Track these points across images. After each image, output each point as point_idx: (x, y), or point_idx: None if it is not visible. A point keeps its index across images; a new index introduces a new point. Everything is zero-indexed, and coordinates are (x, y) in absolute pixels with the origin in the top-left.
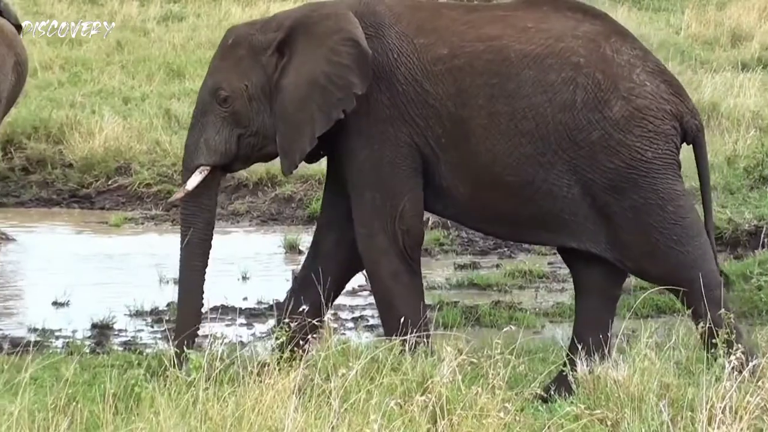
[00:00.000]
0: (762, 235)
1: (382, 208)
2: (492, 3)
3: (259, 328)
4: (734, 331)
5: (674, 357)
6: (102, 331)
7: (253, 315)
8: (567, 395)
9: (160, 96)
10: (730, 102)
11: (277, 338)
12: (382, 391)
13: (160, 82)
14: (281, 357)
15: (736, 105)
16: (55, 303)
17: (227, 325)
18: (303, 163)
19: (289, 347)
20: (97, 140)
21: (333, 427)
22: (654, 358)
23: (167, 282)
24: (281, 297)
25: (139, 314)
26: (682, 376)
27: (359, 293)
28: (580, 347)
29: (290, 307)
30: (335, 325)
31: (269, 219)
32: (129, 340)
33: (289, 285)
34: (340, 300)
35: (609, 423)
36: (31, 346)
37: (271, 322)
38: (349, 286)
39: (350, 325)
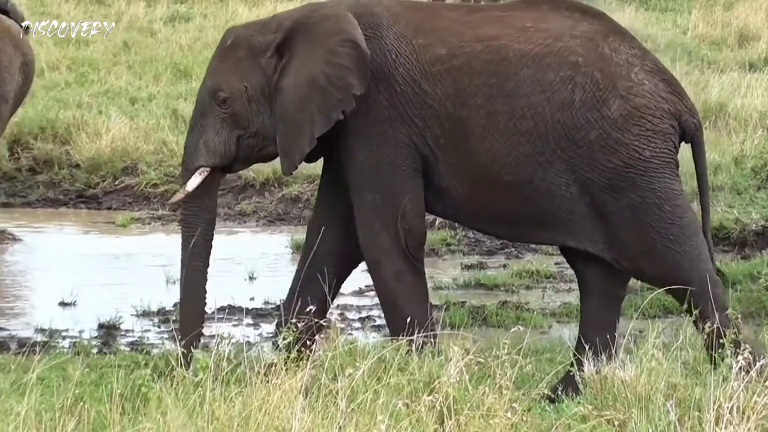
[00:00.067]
0: None
1: (384, 208)
2: (493, 3)
3: (266, 328)
4: (738, 331)
5: (681, 357)
6: (109, 331)
7: (260, 315)
8: (574, 395)
9: (167, 96)
10: (738, 102)
11: (284, 338)
12: (390, 391)
13: (167, 82)
14: (288, 357)
15: (743, 105)
16: (62, 303)
17: (234, 326)
18: (304, 163)
19: (295, 347)
20: (104, 140)
21: (340, 427)
22: (661, 358)
23: (174, 282)
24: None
25: (146, 314)
26: (690, 376)
27: (366, 293)
28: (586, 347)
29: (294, 308)
30: (342, 325)
31: (276, 219)
32: (136, 341)
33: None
34: (348, 300)
35: (616, 423)
36: (38, 346)
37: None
38: (356, 287)
39: (357, 325)
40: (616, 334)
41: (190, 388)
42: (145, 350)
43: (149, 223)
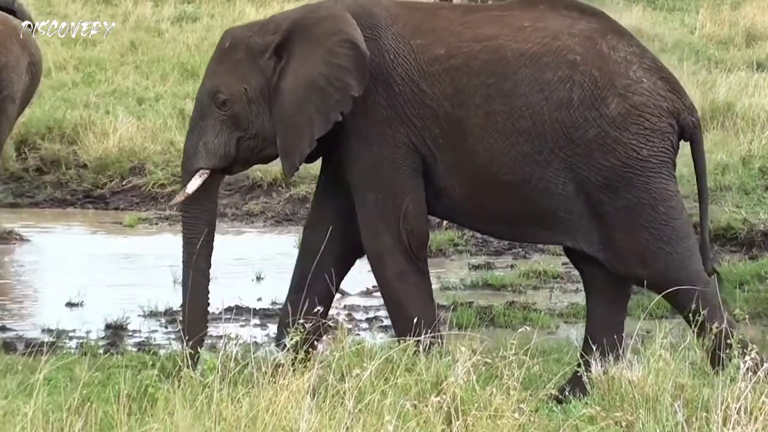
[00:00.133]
0: None
1: (385, 208)
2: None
3: (274, 328)
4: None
5: (689, 357)
6: (116, 331)
7: (267, 316)
8: (582, 396)
9: (174, 96)
10: (745, 102)
11: (291, 338)
12: (397, 391)
13: (174, 82)
14: (295, 357)
15: (751, 105)
16: (69, 303)
17: (241, 326)
18: (305, 163)
19: (291, 348)
20: (111, 140)
21: (347, 428)
22: (669, 359)
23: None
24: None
25: (153, 315)
26: (697, 376)
27: (373, 294)
28: (594, 348)
29: (298, 308)
30: (350, 326)
31: (284, 219)
32: (143, 341)
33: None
34: (355, 300)
35: (624, 424)
36: (45, 346)
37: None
38: (362, 287)
39: (364, 325)
40: (623, 335)
41: (198, 389)
42: (152, 351)
43: (156, 224)
